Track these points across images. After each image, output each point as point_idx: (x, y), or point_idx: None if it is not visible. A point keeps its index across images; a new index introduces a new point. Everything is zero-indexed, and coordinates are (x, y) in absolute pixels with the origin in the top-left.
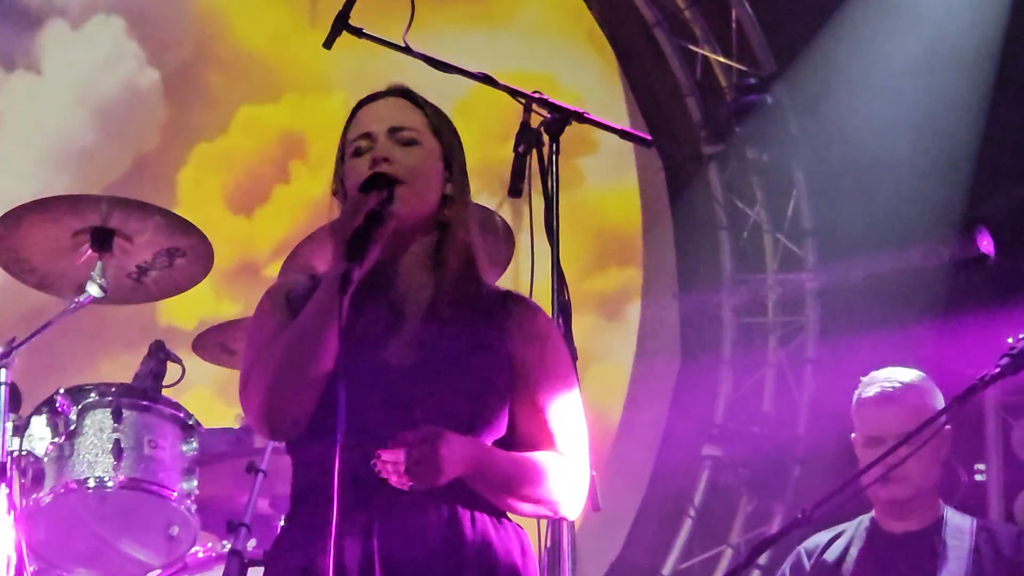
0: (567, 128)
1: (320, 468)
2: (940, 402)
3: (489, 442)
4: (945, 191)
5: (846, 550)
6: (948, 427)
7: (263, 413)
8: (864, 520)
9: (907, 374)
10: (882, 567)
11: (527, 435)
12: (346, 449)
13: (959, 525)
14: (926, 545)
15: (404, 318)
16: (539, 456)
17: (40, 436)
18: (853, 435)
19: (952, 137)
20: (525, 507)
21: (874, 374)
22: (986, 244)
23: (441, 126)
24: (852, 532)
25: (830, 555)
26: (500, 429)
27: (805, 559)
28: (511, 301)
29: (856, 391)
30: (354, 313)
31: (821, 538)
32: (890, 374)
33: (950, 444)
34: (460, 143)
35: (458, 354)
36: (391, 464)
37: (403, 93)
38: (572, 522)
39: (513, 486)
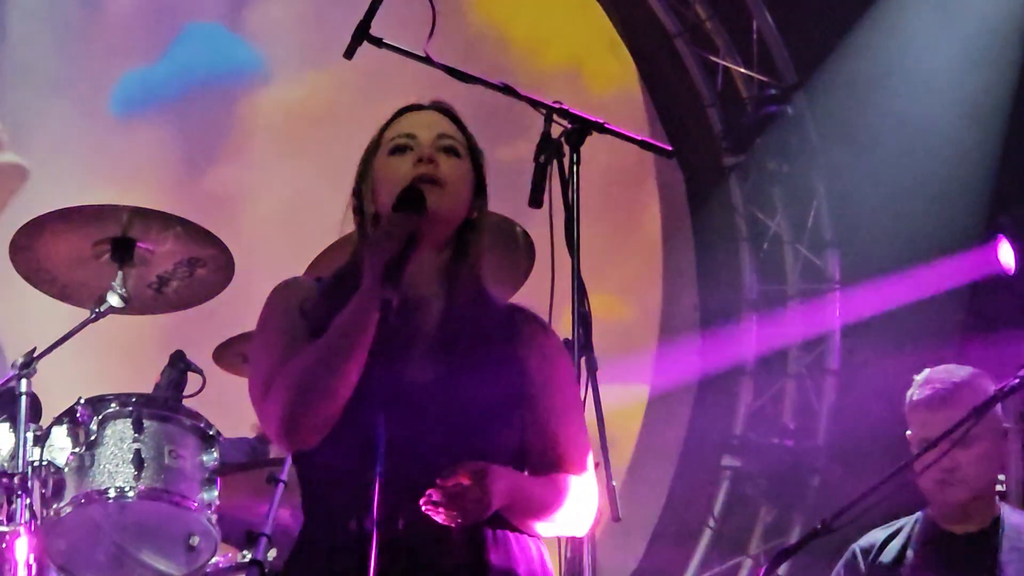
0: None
1: (335, 481)
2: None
3: (505, 461)
4: (966, 201)
5: (903, 550)
6: (1007, 426)
7: (284, 424)
8: (920, 518)
9: (959, 372)
10: (941, 568)
11: (535, 453)
12: (367, 465)
13: (1018, 525)
14: (986, 547)
15: (418, 330)
16: (561, 480)
17: (60, 446)
18: (908, 433)
19: (974, 147)
20: (546, 528)
21: (928, 373)
22: (1006, 256)
23: (476, 149)
24: (909, 531)
25: (887, 555)
26: (515, 447)
27: (860, 559)
28: (521, 318)
29: (910, 390)
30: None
31: (876, 536)
32: (942, 374)
33: (1009, 443)
34: (484, 166)
35: (476, 370)
36: (443, 503)
37: (447, 111)
38: (592, 533)
39: (542, 512)
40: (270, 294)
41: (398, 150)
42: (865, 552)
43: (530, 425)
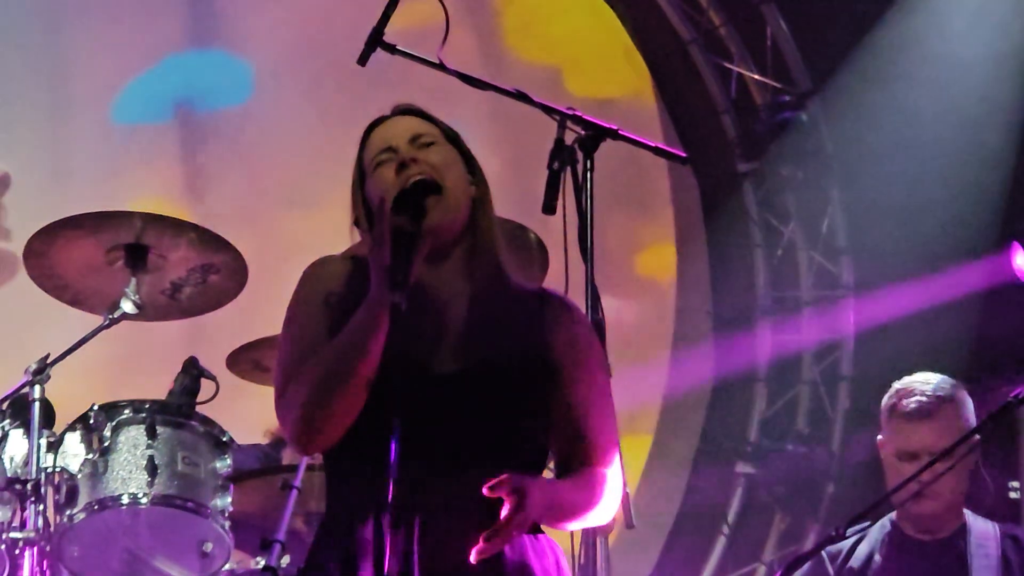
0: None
1: (360, 481)
2: (972, 412)
3: (530, 453)
4: (981, 208)
5: (870, 556)
6: (977, 437)
7: (300, 427)
8: (886, 523)
9: (942, 385)
10: (908, 574)
11: (562, 439)
12: (386, 462)
13: (983, 531)
14: (952, 553)
15: (446, 326)
16: (591, 478)
17: (74, 453)
18: (880, 438)
19: (988, 154)
20: (575, 526)
21: (908, 382)
22: (1022, 263)
23: (456, 137)
24: (875, 536)
25: (855, 560)
26: (541, 439)
27: (828, 564)
28: (547, 300)
29: (888, 398)
30: (395, 323)
31: (843, 543)
32: (925, 386)
33: (979, 453)
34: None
35: (501, 361)
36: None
37: (413, 111)
38: (606, 539)
39: (573, 515)
40: (302, 276)
41: (379, 165)
42: (832, 557)
43: (558, 412)
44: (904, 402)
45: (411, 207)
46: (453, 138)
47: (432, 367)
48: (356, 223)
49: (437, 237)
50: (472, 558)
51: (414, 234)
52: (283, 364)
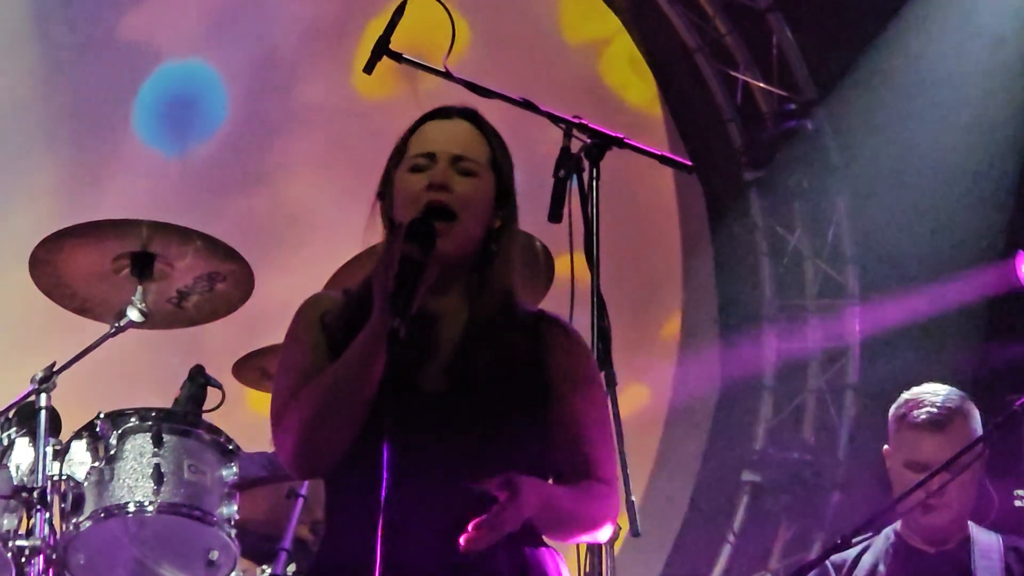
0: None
1: (355, 496)
2: (980, 424)
3: (521, 472)
4: (986, 217)
5: (875, 566)
6: (983, 447)
7: (295, 454)
8: (890, 534)
9: (953, 397)
10: None
11: (560, 458)
12: (380, 476)
13: (987, 543)
14: (956, 565)
15: (438, 343)
16: (588, 489)
17: (80, 461)
18: (886, 448)
19: (995, 161)
20: (572, 537)
21: (918, 393)
22: None
23: (502, 159)
24: (880, 546)
25: (859, 571)
26: (532, 459)
27: (833, 573)
28: (545, 323)
29: (897, 408)
30: (393, 345)
31: (848, 553)
32: (936, 397)
33: (985, 463)
34: (512, 172)
35: (491, 380)
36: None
37: (472, 118)
38: (611, 547)
39: (570, 523)
40: (296, 312)
41: (415, 168)
42: (837, 566)
43: (556, 430)
44: (915, 412)
45: (423, 236)
46: (497, 160)
47: (422, 384)
48: (380, 196)
49: (440, 264)
50: (461, 546)
51: (421, 264)
52: (280, 391)
